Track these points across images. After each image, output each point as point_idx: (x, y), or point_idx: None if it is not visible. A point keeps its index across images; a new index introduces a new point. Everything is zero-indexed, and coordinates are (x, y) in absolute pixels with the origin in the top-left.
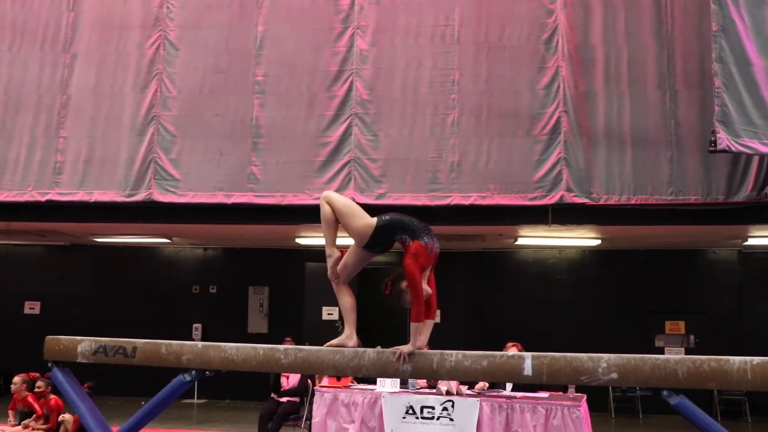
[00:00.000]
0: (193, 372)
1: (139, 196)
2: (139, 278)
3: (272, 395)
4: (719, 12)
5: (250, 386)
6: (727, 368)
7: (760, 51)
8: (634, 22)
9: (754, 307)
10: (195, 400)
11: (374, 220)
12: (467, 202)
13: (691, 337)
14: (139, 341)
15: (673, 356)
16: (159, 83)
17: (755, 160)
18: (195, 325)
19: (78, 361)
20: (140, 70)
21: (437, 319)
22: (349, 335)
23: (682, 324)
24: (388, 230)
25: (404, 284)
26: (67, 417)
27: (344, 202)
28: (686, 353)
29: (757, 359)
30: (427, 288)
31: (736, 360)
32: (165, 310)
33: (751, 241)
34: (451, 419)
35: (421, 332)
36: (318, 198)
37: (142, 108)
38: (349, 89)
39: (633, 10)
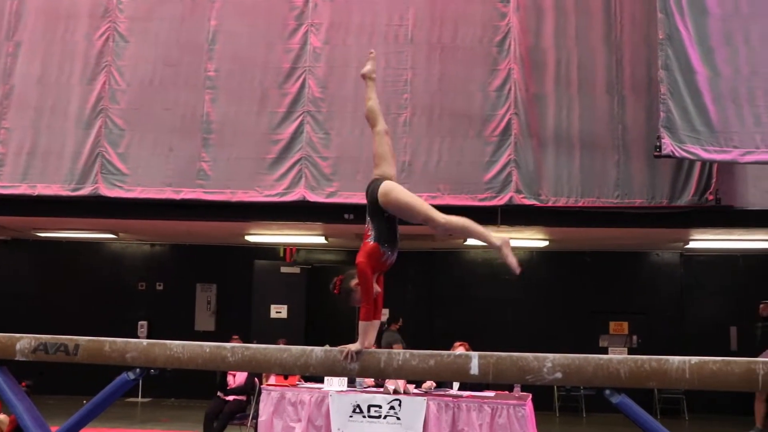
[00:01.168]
0: (138, 370)
1: (85, 191)
2: (83, 274)
3: (218, 394)
4: (665, 21)
5: (196, 385)
6: (666, 368)
7: (703, 60)
8: (584, 27)
9: (694, 308)
10: (139, 399)
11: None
12: None
13: (634, 338)
14: (82, 339)
15: (616, 356)
16: (107, 75)
17: (697, 166)
18: (141, 323)
19: (16, 359)
20: (88, 62)
21: (385, 318)
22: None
23: (625, 324)
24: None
25: (354, 282)
26: (2, 417)
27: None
28: (629, 353)
29: (694, 359)
30: (376, 287)
31: (675, 360)
32: (110, 307)
33: (692, 244)
34: (398, 418)
35: (368, 331)
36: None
37: (89, 100)
38: (302, 87)
39: (584, 16)
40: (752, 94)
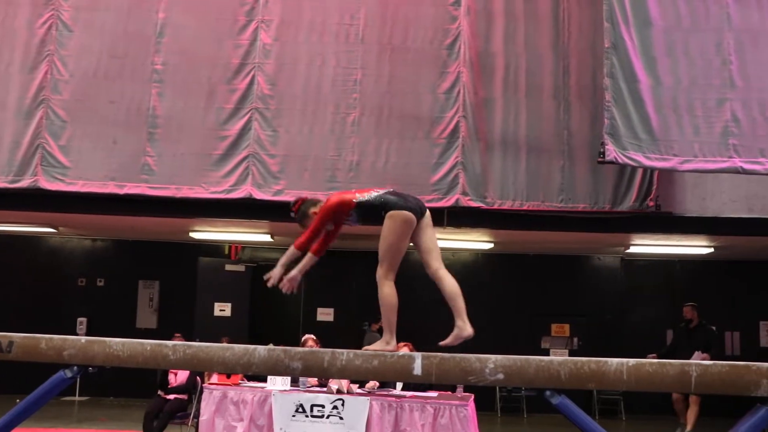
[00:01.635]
0: (75, 368)
1: (24, 183)
2: (20, 269)
3: (159, 392)
4: (611, 30)
5: (137, 383)
6: (605, 369)
7: (646, 69)
8: (533, 33)
9: (634, 311)
10: (76, 398)
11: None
12: None
13: (575, 340)
14: (17, 335)
15: (557, 358)
16: (50, 65)
17: (639, 173)
18: (80, 319)
19: None
20: (29, 50)
21: (330, 318)
22: (388, 340)
23: (567, 327)
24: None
25: (312, 210)
26: None
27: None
28: (570, 355)
29: (632, 361)
30: (331, 227)
31: (613, 362)
32: (48, 303)
33: (633, 249)
34: (341, 418)
35: (298, 261)
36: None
37: (30, 90)
38: (251, 83)
39: (533, 23)
40: (691, 104)
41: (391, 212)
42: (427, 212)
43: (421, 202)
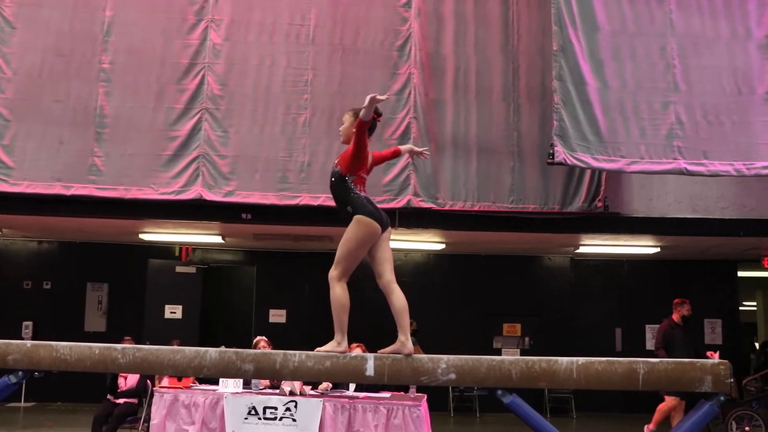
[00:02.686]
0: (20, 373)
1: None
2: None
3: (108, 396)
4: (560, 33)
5: (85, 387)
6: (555, 368)
7: (593, 72)
8: (483, 36)
9: (583, 310)
10: (22, 404)
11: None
12: (316, 203)
13: (527, 339)
14: None
15: (508, 357)
16: None
17: (588, 174)
18: (25, 323)
19: None
20: None
21: (283, 320)
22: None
23: (518, 326)
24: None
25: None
26: None
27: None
28: (521, 354)
29: (581, 360)
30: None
31: (563, 361)
32: None
33: (582, 249)
34: (294, 420)
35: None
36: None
37: None
38: (201, 83)
39: (482, 25)
40: (637, 106)
41: (360, 217)
42: (389, 227)
43: (387, 216)
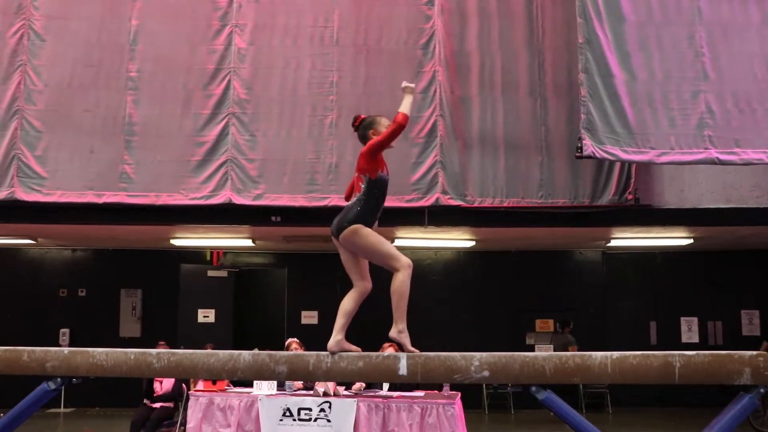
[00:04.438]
0: (59, 379)
1: (0, 195)
2: (0, 282)
3: (144, 401)
4: (585, 25)
5: (122, 393)
6: (589, 363)
7: (620, 64)
8: (507, 31)
9: (616, 305)
10: (61, 410)
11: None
12: (345, 204)
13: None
14: None
15: (541, 353)
16: (23, 75)
17: (617, 166)
18: (62, 330)
19: None
20: (1, 61)
21: (314, 321)
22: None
23: (551, 322)
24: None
25: (382, 124)
26: None
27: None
28: (554, 350)
29: (616, 354)
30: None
31: (597, 355)
32: (29, 315)
33: (613, 243)
34: (329, 420)
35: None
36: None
37: (3, 101)
38: (227, 88)
39: (507, 20)
40: (666, 97)
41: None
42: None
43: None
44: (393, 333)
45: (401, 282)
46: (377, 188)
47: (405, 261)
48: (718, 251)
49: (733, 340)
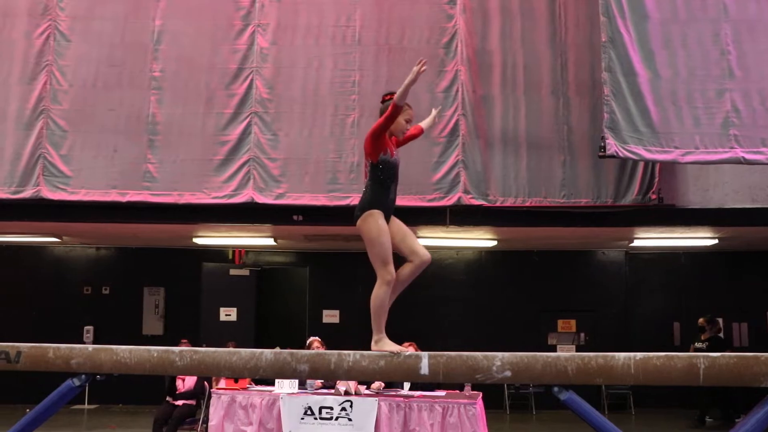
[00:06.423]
0: (83, 376)
1: (26, 193)
2: (25, 279)
3: (167, 398)
4: (608, 24)
5: (145, 390)
6: (612, 364)
7: (644, 63)
8: (530, 30)
9: (639, 305)
10: (86, 406)
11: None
12: None
13: (582, 335)
14: (24, 345)
15: (564, 354)
16: (48, 75)
17: (641, 166)
18: (86, 328)
19: None
20: (28, 61)
21: (336, 320)
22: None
23: (573, 322)
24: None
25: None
26: None
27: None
28: (577, 350)
29: (639, 355)
30: (405, 125)
31: (620, 356)
32: (54, 312)
33: (636, 243)
34: (350, 419)
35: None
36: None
37: (29, 101)
38: (249, 87)
39: (529, 19)
40: (690, 95)
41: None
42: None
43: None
44: (372, 345)
45: (376, 296)
46: (381, 171)
47: (388, 276)
48: (744, 251)
49: (759, 342)
